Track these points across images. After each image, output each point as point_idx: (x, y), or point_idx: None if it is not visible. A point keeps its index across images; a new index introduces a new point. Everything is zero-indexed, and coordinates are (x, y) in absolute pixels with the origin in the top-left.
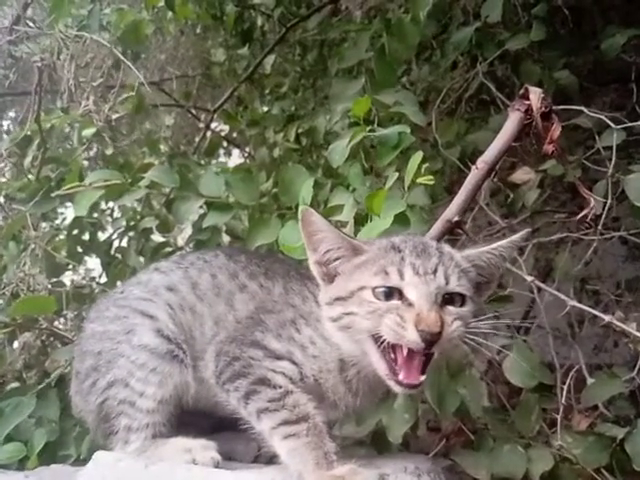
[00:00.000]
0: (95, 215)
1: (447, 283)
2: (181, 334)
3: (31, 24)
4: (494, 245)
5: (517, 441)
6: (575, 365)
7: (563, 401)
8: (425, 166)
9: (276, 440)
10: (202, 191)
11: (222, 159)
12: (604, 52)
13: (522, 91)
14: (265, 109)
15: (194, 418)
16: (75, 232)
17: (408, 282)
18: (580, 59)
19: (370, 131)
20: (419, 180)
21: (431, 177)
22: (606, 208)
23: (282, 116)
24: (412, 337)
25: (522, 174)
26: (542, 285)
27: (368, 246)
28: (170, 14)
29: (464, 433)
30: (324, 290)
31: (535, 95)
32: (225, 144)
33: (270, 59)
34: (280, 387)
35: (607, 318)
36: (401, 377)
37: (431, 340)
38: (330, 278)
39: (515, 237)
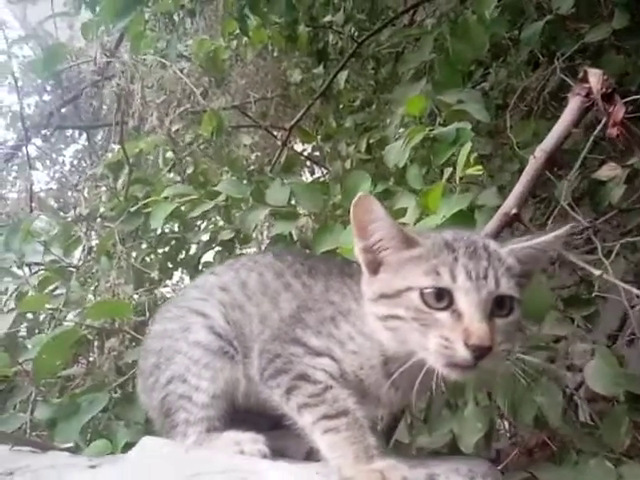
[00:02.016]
0: (174, 229)
1: (498, 287)
2: (232, 331)
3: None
4: (539, 239)
5: (605, 456)
6: None
7: None
8: (474, 156)
9: (317, 435)
10: (268, 201)
11: (306, 177)
12: None
13: (581, 74)
14: (340, 123)
15: (251, 417)
16: (166, 249)
17: (460, 286)
18: None
19: (430, 130)
20: (468, 171)
21: (480, 167)
22: None
23: (356, 129)
24: (462, 355)
25: (608, 170)
26: (618, 282)
27: (422, 240)
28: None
29: (549, 447)
30: (368, 281)
31: (595, 77)
32: (308, 163)
33: (344, 75)
34: (320, 383)
35: None
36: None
37: (480, 354)
38: (375, 267)
39: (560, 231)
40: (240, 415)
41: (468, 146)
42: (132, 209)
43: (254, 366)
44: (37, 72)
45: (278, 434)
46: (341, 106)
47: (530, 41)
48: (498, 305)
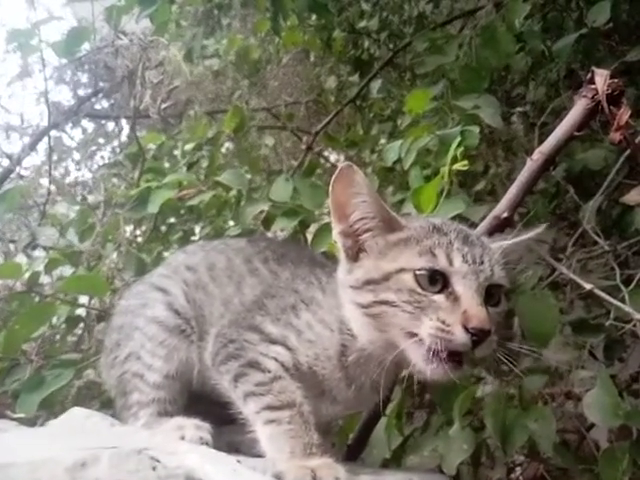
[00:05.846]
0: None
1: (492, 274)
2: (191, 311)
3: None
4: (523, 237)
5: None
6: None
7: None
8: (460, 150)
9: (258, 425)
10: (272, 196)
11: None
12: None
13: (589, 75)
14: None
15: (212, 409)
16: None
17: (457, 270)
18: None
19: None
20: (455, 166)
21: (465, 162)
22: None
23: (387, 142)
24: (462, 340)
25: (636, 195)
26: (605, 296)
27: (406, 223)
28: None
29: None
30: (347, 268)
31: (601, 77)
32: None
33: (377, 83)
34: (269, 372)
35: None
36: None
37: (480, 339)
38: (354, 253)
39: (538, 229)
40: (201, 407)
41: (457, 139)
42: (133, 193)
43: (207, 349)
44: (59, 53)
45: (237, 429)
46: (371, 115)
47: (562, 54)
48: (489, 294)
